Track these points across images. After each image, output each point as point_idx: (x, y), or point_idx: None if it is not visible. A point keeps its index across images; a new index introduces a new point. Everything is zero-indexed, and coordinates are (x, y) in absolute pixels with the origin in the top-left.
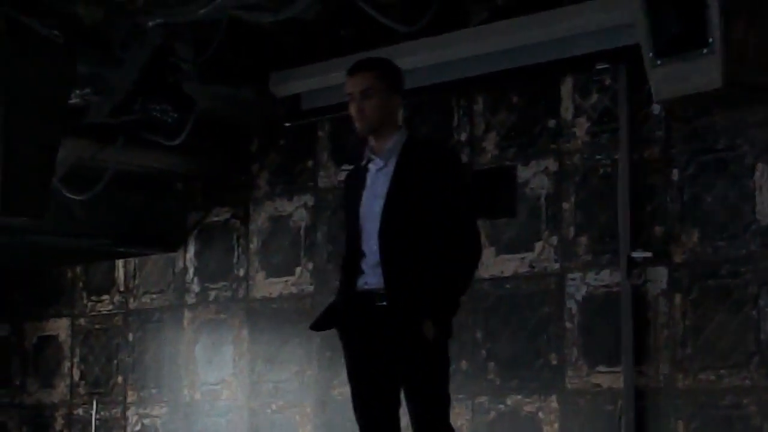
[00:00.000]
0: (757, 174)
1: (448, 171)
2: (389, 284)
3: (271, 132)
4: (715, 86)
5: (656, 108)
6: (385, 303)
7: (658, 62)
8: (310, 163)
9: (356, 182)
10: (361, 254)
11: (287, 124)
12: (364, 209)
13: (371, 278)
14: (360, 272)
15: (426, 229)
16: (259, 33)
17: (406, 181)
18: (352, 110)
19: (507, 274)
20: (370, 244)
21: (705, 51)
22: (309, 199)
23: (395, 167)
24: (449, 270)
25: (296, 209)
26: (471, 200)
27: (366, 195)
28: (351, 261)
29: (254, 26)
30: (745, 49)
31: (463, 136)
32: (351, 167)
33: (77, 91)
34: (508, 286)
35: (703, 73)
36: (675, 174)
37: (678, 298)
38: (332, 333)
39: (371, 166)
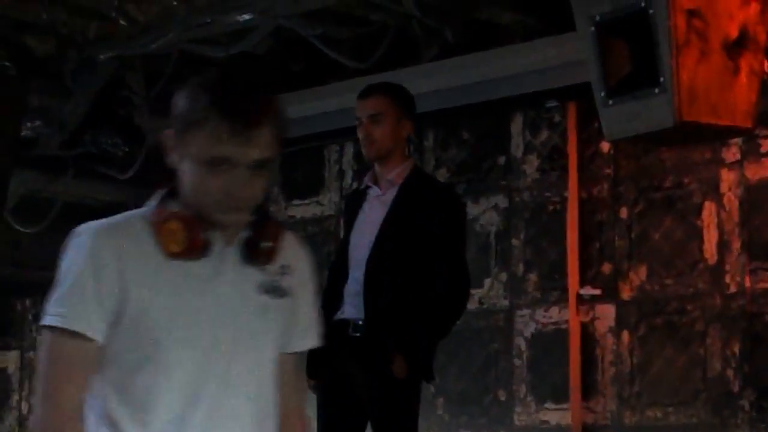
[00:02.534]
0: (705, 212)
1: (446, 212)
2: (367, 315)
3: None
4: (665, 126)
5: (605, 146)
6: (358, 334)
7: (610, 102)
8: None
9: (354, 206)
10: (345, 280)
11: None
12: (355, 235)
13: (349, 307)
14: (340, 300)
15: (414, 266)
16: (211, 66)
17: (402, 214)
18: (360, 135)
19: None
20: (356, 271)
21: (656, 91)
22: None
23: (394, 198)
24: (430, 310)
25: None
26: (464, 245)
27: (360, 221)
28: (333, 287)
29: (205, 60)
30: (696, 88)
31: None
32: (351, 190)
33: (28, 123)
34: (457, 322)
35: (654, 112)
36: (623, 211)
37: (626, 335)
38: None
39: (370, 192)
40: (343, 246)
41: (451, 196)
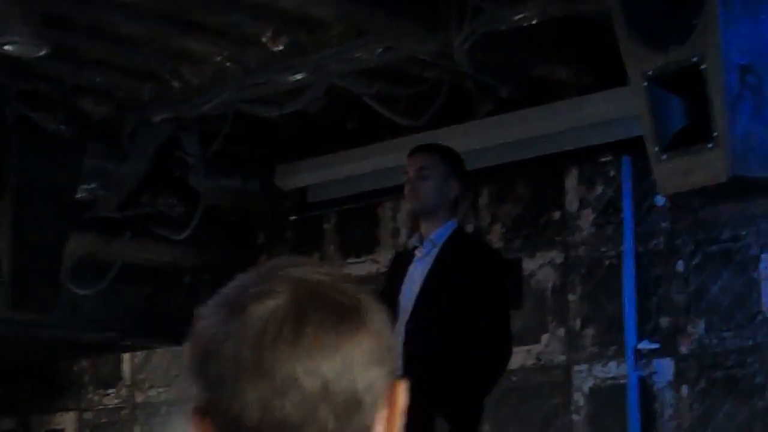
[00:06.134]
0: (762, 264)
1: (487, 272)
2: (408, 375)
3: (278, 225)
4: (719, 181)
5: (660, 199)
6: None
7: (663, 156)
8: (316, 255)
9: (401, 265)
10: None
11: (293, 217)
12: (401, 296)
13: None
14: None
15: (454, 325)
16: (265, 126)
17: (444, 276)
18: (407, 189)
19: (514, 366)
20: (398, 330)
21: (710, 145)
22: None
23: (436, 259)
24: (471, 370)
25: None
26: (506, 307)
27: (406, 281)
28: None
29: (260, 119)
30: (750, 142)
31: (469, 228)
32: (400, 251)
33: (84, 186)
34: (515, 378)
35: (708, 167)
36: (680, 265)
37: (685, 390)
38: None
39: (416, 252)
40: (389, 305)
41: (491, 256)
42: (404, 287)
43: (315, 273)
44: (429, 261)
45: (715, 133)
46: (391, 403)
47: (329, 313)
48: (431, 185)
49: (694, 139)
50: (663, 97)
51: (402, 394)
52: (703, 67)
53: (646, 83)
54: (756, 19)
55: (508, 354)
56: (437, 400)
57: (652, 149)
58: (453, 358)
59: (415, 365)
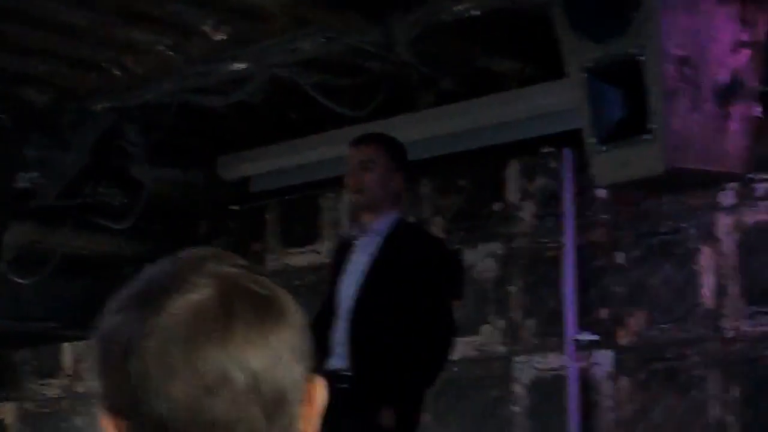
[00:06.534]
0: (702, 257)
1: (431, 263)
2: (353, 366)
3: (220, 215)
4: (656, 173)
5: (601, 191)
6: (346, 385)
7: (601, 148)
8: (258, 246)
9: (342, 257)
10: (333, 331)
11: (235, 208)
12: (342, 285)
13: (336, 359)
14: (328, 350)
15: (398, 316)
16: (207, 116)
17: (387, 264)
18: (350, 181)
19: (454, 357)
20: (342, 321)
21: (647, 137)
22: None
23: (379, 249)
24: (415, 359)
25: None
26: (450, 297)
27: (346, 270)
28: (322, 337)
29: (202, 109)
30: (687, 135)
31: (410, 220)
32: (342, 239)
33: (25, 175)
34: (455, 369)
35: (645, 159)
36: (621, 257)
37: (625, 381)
38: None
39: (357, 242)
40: (330, 294)
41: (435, 245)
42: (345, 275)
43: (229, 266)
44: (372, 250)
45: (653, 126)
46: (311, 400)
47: (255, 307)
48: (374, 177)
49: (631, 131)
50: (601, 88)
51: (320, 391)
52: (641, 59)
53: (584, 75)
54: (694, 12)
55: (452, 344)
56: (382, 389)
57: (590, 141)
58: (397, 348)
59: (360, 355)
